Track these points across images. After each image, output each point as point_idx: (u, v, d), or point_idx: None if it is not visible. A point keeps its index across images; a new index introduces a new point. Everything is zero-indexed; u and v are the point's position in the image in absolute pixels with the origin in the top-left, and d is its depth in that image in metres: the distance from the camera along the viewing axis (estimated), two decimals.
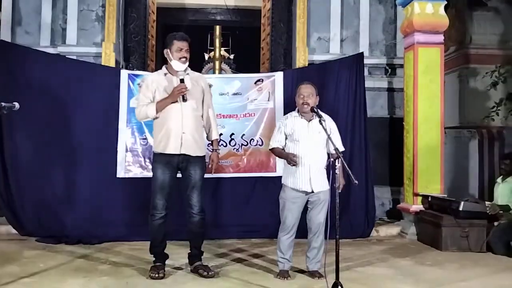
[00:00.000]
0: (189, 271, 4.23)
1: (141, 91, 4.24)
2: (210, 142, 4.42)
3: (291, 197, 4.10)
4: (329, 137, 3.84)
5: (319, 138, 4.08)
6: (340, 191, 3.91)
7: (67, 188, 5.70)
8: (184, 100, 4.05)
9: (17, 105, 3.73)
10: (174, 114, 4.06)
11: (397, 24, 6.98)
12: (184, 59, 4.11)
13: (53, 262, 4.50)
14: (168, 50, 4.14)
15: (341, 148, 3.94)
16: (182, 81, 4.04)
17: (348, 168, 3.58)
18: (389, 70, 7.15)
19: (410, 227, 6.00)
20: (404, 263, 4.77)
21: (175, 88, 4.03)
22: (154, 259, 4.17)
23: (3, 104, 3.67)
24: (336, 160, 3.60)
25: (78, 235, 5.39)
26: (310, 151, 4.06)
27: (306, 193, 4.07)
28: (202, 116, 4.27)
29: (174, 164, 4.10)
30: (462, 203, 5.29)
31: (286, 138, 4.17)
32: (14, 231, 5.64)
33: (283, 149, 4.18)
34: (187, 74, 4.16)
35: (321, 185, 4.07)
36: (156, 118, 4.11)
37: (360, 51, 6.70)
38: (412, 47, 6.21)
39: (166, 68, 4.23)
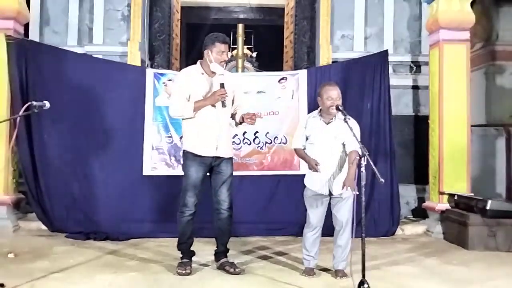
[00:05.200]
0: (216, 268, 4.28)
1: (177, 86, 4.19)
2: (238, 122, 4.23)
3: (311, 196, 4.11)
4: (354, 135, 3.80)
5: (334, 143, 4.02)
6: (348, 190, 3.92)
7: (95, 185, 5.80)
8: (224, 106, 4.08)
9: (47, 104, 3.82)
10: (211, 118, 4.07)
11: (422, 21, 6.91)
12: (224, 62, 4.15)
13: (82, 257, 4.58)
14: (209, 51, 4.11)
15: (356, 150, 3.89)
16: (222, 86, 4.05)
17: (374, 166, 3.56)
18: (414, 67, 7.09)
19: (436, 226, 5.95)
20: (430, 262, 4.74)
21: (216, 92, 4.03)
22: (181, 255, 4.21)
23: (34, 103, 3.77)
24: (362, 159, 3.59)
25: (105, 231, 5.48)
26: (325, 154, 4.02)
27: (324, 195, 4.08)
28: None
29: (207, 163, 4.14)
30: (489, 202, 5.22)
31: (306, 139, 4.15)
32: (44, 227, 5.77)
33: (304, 149, 4.16)
34: (222, 75, 4.13)
35: (340, 187, 4.01)
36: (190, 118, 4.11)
37: (385, 48, 6.64)
38: (437, 44, 6.14)
39: (202, 67, 4.19)
